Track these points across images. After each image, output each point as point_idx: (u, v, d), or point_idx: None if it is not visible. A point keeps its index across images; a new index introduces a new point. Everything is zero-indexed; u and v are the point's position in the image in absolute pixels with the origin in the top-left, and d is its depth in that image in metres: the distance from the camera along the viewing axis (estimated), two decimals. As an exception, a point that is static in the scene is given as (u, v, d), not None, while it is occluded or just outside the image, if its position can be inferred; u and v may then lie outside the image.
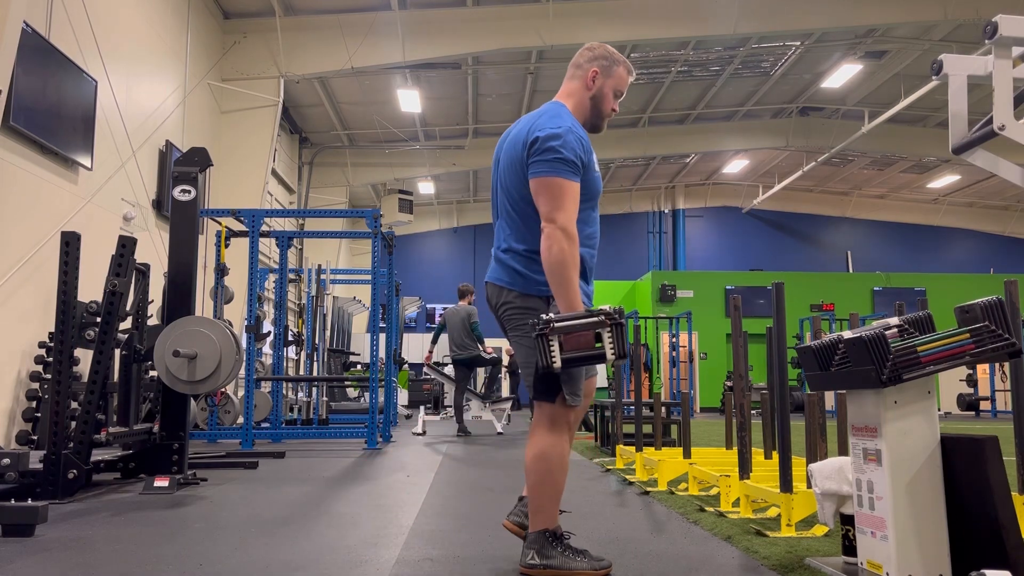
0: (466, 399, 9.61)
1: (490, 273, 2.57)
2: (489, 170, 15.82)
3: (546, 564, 2.35)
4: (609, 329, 2.23)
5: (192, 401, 4.86)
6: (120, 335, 4.60)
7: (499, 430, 9.40)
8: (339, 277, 14.26)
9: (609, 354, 2.24)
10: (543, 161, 2.37)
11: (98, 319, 4.03)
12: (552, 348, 2.22)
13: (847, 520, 2.52)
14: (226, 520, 3.38)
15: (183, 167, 4.79)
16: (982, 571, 1.95)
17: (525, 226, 2.45)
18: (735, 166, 21.28)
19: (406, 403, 14.74)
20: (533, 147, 2.40)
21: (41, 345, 6.68)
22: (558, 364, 2.22)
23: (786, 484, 3.04)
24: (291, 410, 9.88)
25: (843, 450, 3.24)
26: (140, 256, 4.51)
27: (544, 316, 2.25)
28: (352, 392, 14.70)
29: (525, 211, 2.45)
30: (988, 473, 2.08)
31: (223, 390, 8.29)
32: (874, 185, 22.63)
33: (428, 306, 21.66)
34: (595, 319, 2.24)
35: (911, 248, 23.57)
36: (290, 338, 9.61)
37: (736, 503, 3.55)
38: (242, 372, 7.40)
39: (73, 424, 4.05)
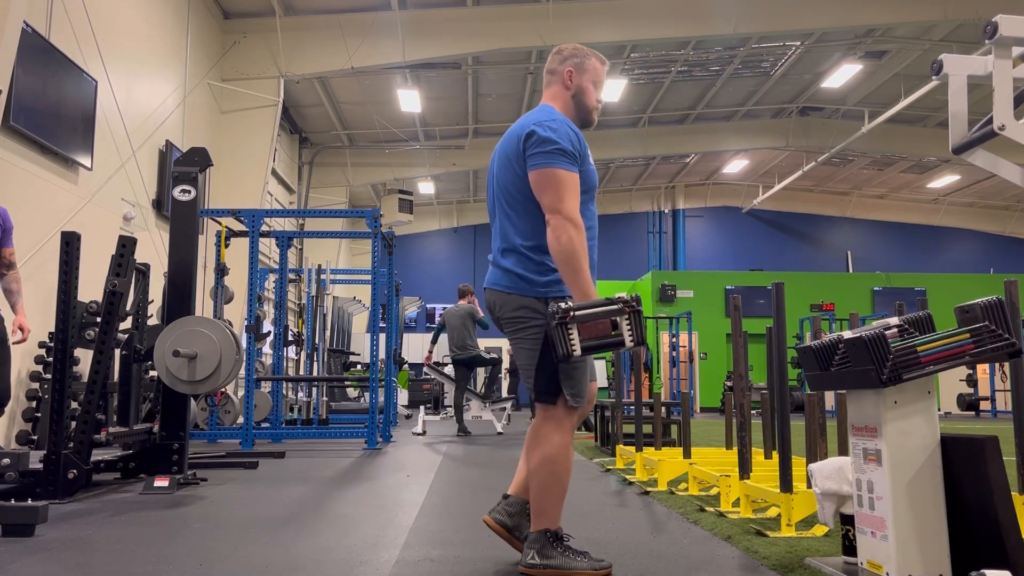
0: (466, 399, 9.61)
1: (489, 278, 2.56)
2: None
3: (546, 564, 2.36)
4: (627, 316, 2.25)
5: (192, 401, 4.86)
6: (120, 335, 4.59)
7: (499, 430, 9.40)
8: (339, 277, 14.26)
9: (628, 340, 2.26)
10: (542, 153, 2.38)
11: (98, 319, 4.03)
12: (571, 336, 2.23)
13: (847, 520, 2.52)
14: (226, 520, 3.38)
15: (183, 167, 4.79)
16: (982, 571, 1.95)
17: (525, 221, 2.45)
18: (735, 166, 21.28)
19: (406, 403, 14.74)
20: (529, 140, 2.41)
21: (41, 345, 6.68)
22: (578, 351, 2.23)
23: (786, 484, 3.04)
24: (291, 410, 9.88)
25: (843, 450, 3.24)
26: (140, 256, 4.51)
27: (563, 304, 2.25)
28: (352, 392, 14.70)
29: (524, 206, 2.45)
30: (988, 473, 2.08)
31: (223, 390, 8.29)
32: (874, 185, 22.63)
33: (428, 306, 21.66)
34: (614, 306, 2.25)
35: (911, 248, 23.57)
36: (290, 338, 9.61)
37: (736, 503, 3.55)
38: (242, 372, 7.40)
39: (73, 424, 4.05)
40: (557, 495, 2.40)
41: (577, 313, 2.24)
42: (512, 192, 2.48)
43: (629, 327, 2.26)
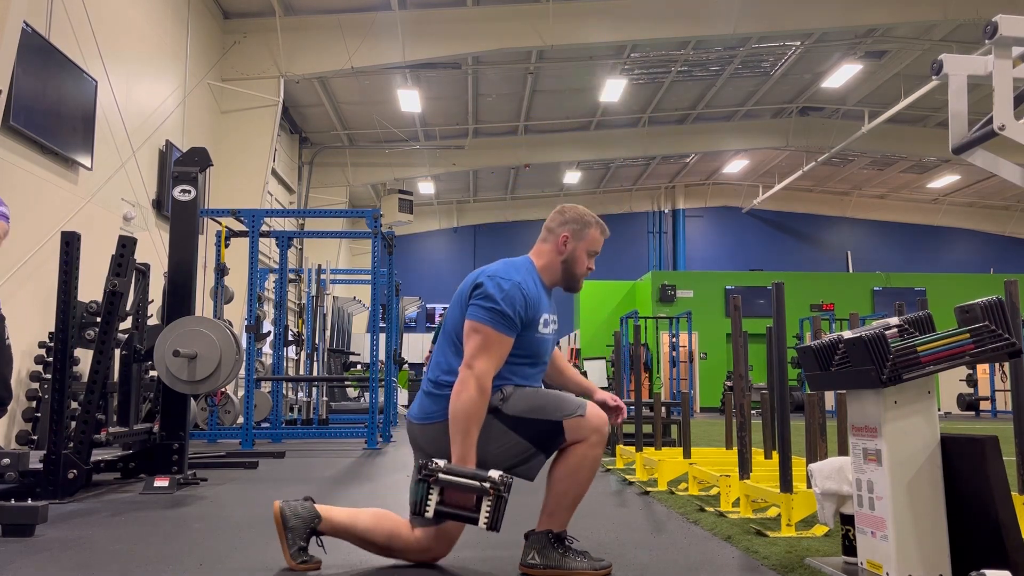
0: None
1: (416, 415, 2.52)
2: (489, 171, 15.89)
3: (546, 564, 2.36)
4: (492, 499, 2.23)
5: (192, 401, 4.86)
6: (120, 335, 4.59)
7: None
8: (339, 277, 14.26)
9: (482, 522, 2.23)
10: (480, 307, 2.38)
11: (98, 319, 4.03)
12: (430, 496, 2.23)
13: (847, 520, 2.52)
14: (226, 520, 3.38)
15: (183, 167, 4.79)
16: (982, 571, 1.95)
17: (454, 355, 2.46)
18: (735, 166, 21.28)
19: (406, 403, 14.74)
20: (476, 290, 2.43)
21: (41, 345, 6.68)
22: (430, 514, 2.24)
23: (786, 484, 3.04)
24: (291, 410, 9.88)
25: (843, 450, 3.24)
26: (140, 256, 4.51)
27: (432, 463, 2.24)
28: (352, 392, 14.70)
29: (454, 343, 2.47)
30: (988, 473, 2.08)
31: (223, 390, 8.29)
32: (874, 185, 22.63)
33: (428, 306, 21.66)
34: (480, 484, 2.23)
35: (911, 248, 23.56)
36: (290, 338, 9.61)
37: (736, 503, 3.55)
38: (242, 372, 7.40)
39: (73, 424, 4.05)
40: (572, 502, 2.43)
41: (443, 477, 2.22)
42: (448, 326, 2.52)
43: (488, 509, 2.23)
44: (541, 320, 2.48)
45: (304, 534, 2.42)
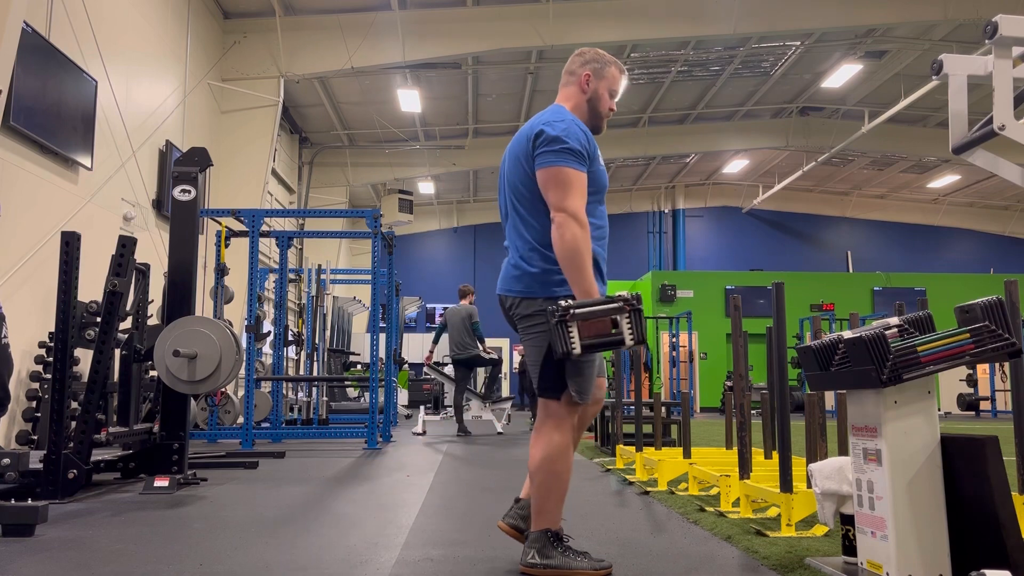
0: (466, 399, 9.61)
1: (501, 283, 2.57)
2: (490, 170, 15.84)
3: (546, 564, 2.36)
4: (628, 315, 2.25)
5: (192, 401, 4.86)
6: (120, 335, 4.59)
7: (499, 430, 9.40)
8: (339, 277, 14.26)
9: (628, 339, 2.25)
10: (549, 152, 2.39)
11: (98, 319, 4.03)
12: (572, 334, 2.23)
13: (847, 520, 2.52)
14: (226, 520, 3.38)
15: (183, 167, 4.79)
16: (982, 571, 1.95)
17: (533, 218, 2.46)
18: (735, 166, 21.28)
19: (406, 403, 14.74)
20: (539, 139, 2.42)
21: (41, 345, 6.68)
22: (578, 349, 2.23)
23: (786, 484, 3.04)
24: (291, 410, 9.88)
25: (843, 450, 3.24)
26: (140, 256, 4.51)
27: (562, 303, 2.25)
28: (352, 392, 14.70)
29: (532, 204, 2.46)
30: (988, 473, 2.08)
31: (223, 390, 8.29)
32: (874, 185, 22.63)
33: (428, 306, 21.66)
34: (613, 305, 2.25)
35: (911, 248, 23.56)
36: (290, 338, 9.61)
37: (736, 503, 3.55)
38: (242, 372, 7.40)
39: (73, 424, 4.05)
40: (557, 495, 2.41)
41: (577, 311, 2.23)
42: (522, 191, 2.49)
43: (629, 326, 2.25)
44: (598, 153, 2.53)
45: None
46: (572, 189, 2.36)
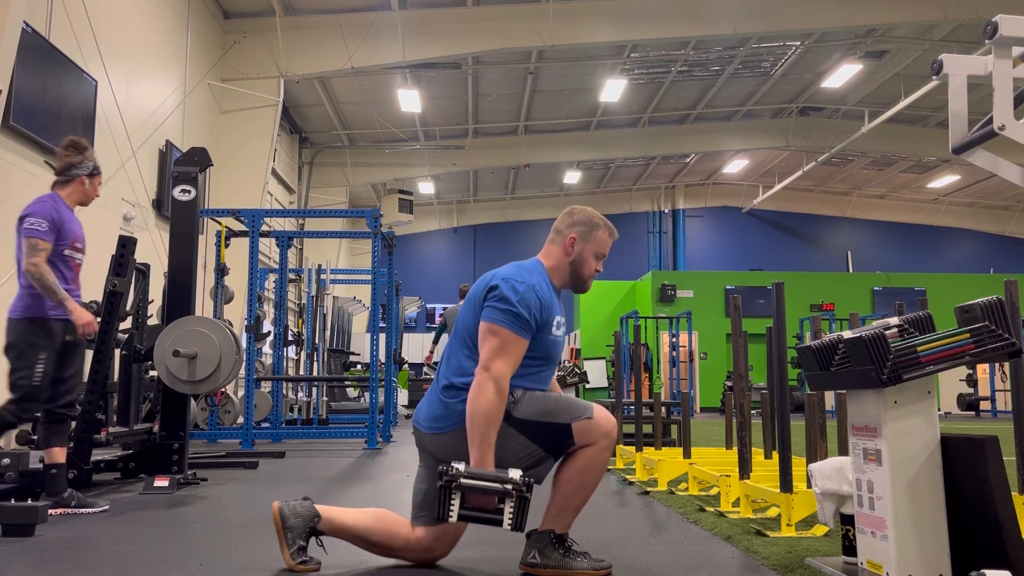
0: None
1: (424, 423, 2.52)
2: (489, 171, 15.86)
3: (546, 564, 2.37)
4: (514, 500, 2.23)
5: (192, 401, 4.86)
6: (120, 335, 4.59)
7: (499, 430, 9.38)
8: (339, 277, 14.26)
9: (506, 523, 2.23)
10: (496, 308, 2.38)
11: (98, 319, 4.03)
12: (452, 501, 2.22)
13: (847, 520, 2.52)
14: (226, 520, 3.38)
15: (183, 167, 4.79)
16: (982, 571, 1.95)
17: (468, 358, 2.44)
18: (735, 166, 21.28)
19: (406, 403, 14.73)
20: (491, 292, 2.42)
21: (41, 345, 6.67)
22: (454, 519, 2.24)
23: (786, 484, 3.04)
24: (291, 410, 9.88)
25: (843, 450, 3.24)
26: (140, 256, 4.51)
27: (452, 468, 2.23)
28: (352, 392, 14.69)
29: (469, 346, 2.46)
30: (988, 473, 2.08)
31: (223, 390, 8.29)
32: (874, 185, 22.63)
33: (428, 306, 21.66)
34: (502, 486, 2.23)
35: (911, 248, 23.56)
36: (290, 338, 9.61)
37: (736, 503, 3.55)
38: (242, 372, 7.40)
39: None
40: (578, 505, 2.44)
41: (464, 482, 2.22)
42: (463, 333, 2.49)
43: (512, 510, 2.23)
44: (554, 322, 2.48)
45: (303, 533, 2.42)
46: (505, 352, 2.34)
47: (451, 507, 2.22)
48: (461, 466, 2.25)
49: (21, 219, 3.53)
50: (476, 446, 2.29)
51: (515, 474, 2.24)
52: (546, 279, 2.53)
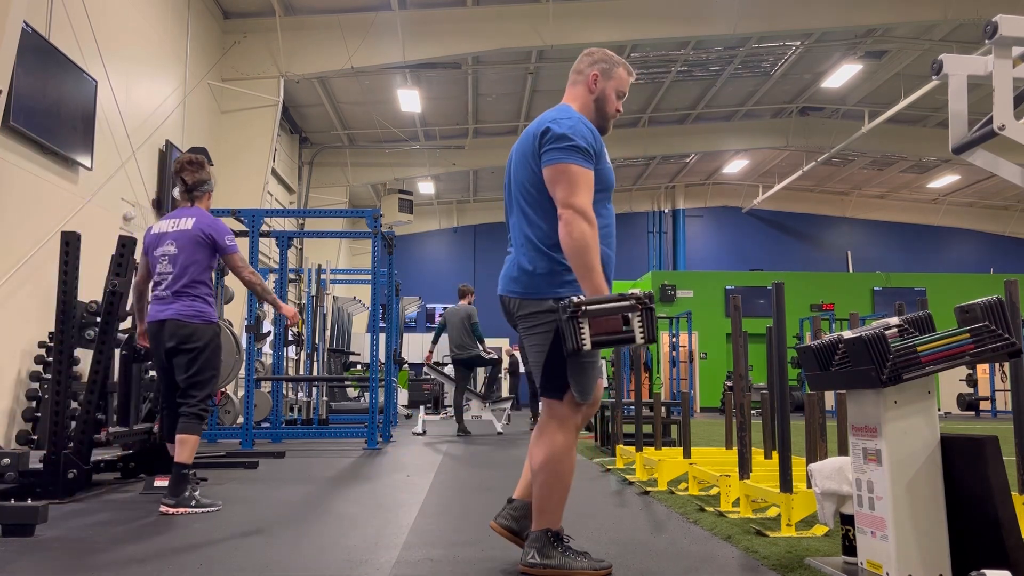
0: (466, 399, 9.61)
1: (502, 285, 2.55)
2: (489, 171, 15.79)
3: (546, 564, 2.36)
4: (639, 312, 2.24)
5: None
6: (120, 335, 4.59)
7: (499, 430, 9.40)
8: (339, 277, 14.26)
9: (639, 337, 2.24)
10: (557, 149, 2.38)
11: (98, 319, 4.03)
12: (583, 330, 2.22)
13: (847, 520, 2.52)
14: (226, 520, 3.38)
15: (183, 167, 4.78)
16: (982, 571, 1.95)
17: (540, 218, 2.44)
18: (735, 166, 21.28)
19: (406, 403, 14.73)
20: (545, 136, 2.41)
21: (41, 345, 6.68)
22: (588, 345, 2.22)
23: (786, 484, 3.04)
24: (291, 410, 9.88)
25: (843, 450, 3.24)
26: (140, 256, 4.51)
27: (575, 299, 2.23)
28: (352, 392, 14.70)
29: (539, 203, 2.45)
30: (988, 473, 2.08)
31: (223, 390, 8.29)
32: (874, 185, 22.63)
33: (428, 306, 21.66)
34: (625, 303, 2.24)
35: (911, 248, 23.56)
36: (290, 338, 9.61)
37: (736, 503, 3.55)
38: (242, 372, 7.40)
39: (73, 424, 4.05)
40: (559, 495, 2.41)
41: (589, 308, 2.22)
42: (529, 189, 2.48)
43: (640, 324, 2.24)
44: (604, 151, 2.51)
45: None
46: (579, 186, 2.34)
47: (583, 336, 2.21)
48: (582, 296, 2.26)
49: (207, 234, 3.93)
50: (586, 277, 2.30)
51: (635, 291, 2.26)
52: (581, 115, 2.54)
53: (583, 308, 2.22)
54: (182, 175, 4.02)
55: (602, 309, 2.23)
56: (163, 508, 3.55)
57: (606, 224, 2.48)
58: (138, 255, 4.15)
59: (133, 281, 4.15)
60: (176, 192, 4.33)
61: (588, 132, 2.42)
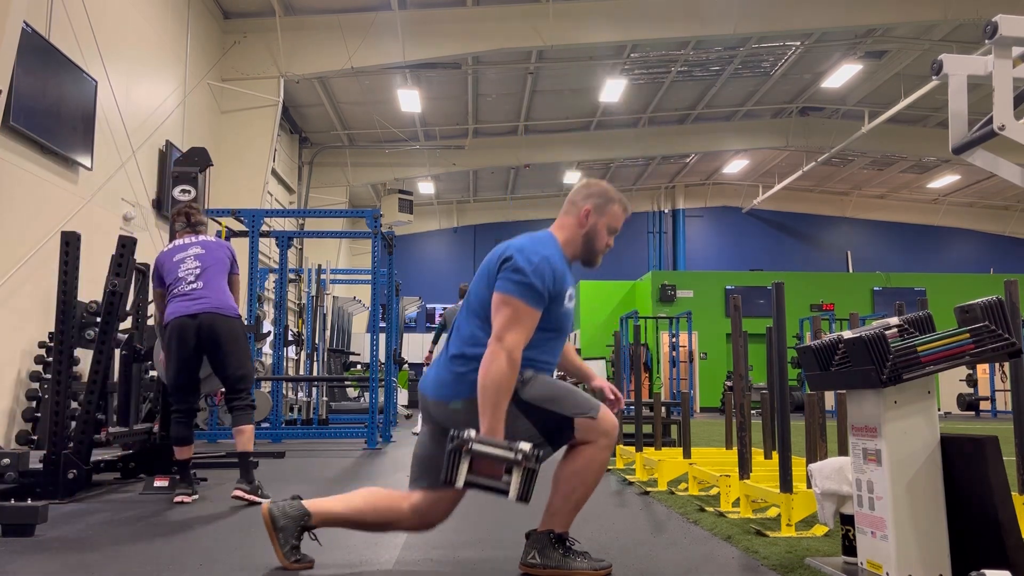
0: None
1: (431, 390, 2.49)
2: (489, 171, 15.84)
3: (546, 564, 2.37)
4: (522, 470, 2.22)
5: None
6: (120, 335, 4.59)
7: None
8: (339, 277, 14.26)
9: (513, 494, 2.22)
10: (510, 280, 2.36)
11: (98, 319, 4.03)
12: (460, 466, 2.21)
13: (847, 520, 2.52)
14: (226, 520, 3.38)
15: (183, 167, 4.80)
16: (982, 571, 1.95)
17: (480, 329, 2.43)
18: (735, 166, 21.28)
19: (406, 403, 14.73)
20: (505, 263, 2.41)
21: (41, 345, 6.68)
22: (459, 484, 2.23)
23: (786, 484, 3.04)
24: (291, 410, 9.88)
25: (843, 450, 3.24)
26: (140, 256, 4.51)
27: (465, 433, 2.22)
28: (352, 392, 14.69)
29: (481, 316, 2.44)
30: (988, 473, 2.08)
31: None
32: (874, 185, 22.63)
33: (428, 306, 21.65)
34: (512, 455, 2.22)
35: (911, 248, 23.55)
36: (290, 338, 9.61)
37: (736, 503, 3.55)
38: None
39: (73, 424, 4.05)
40: (576, 504, 2.43)
41: (475, 447, 2.21)
42: (476, 305, 2.47)
43: (519, 481, 2.22)
44: (567, 294, 2.48)
45: (295, 533, 2.41)
46: (518, 323, 2.33)
47: (458, 472, 2.21)
48: (473, 433, 2.25)
49: (230, 250, 4.27)
50: (487, 415, 2.28)
51: (525, 445, 2.24)
52: (559, 250, 2.52)
53: (469, 445, 2.21)
54: (186, 211, 4.34)
55: (487, 453, 2.22)
56: (238, 492, 3.76)
57: (548, 363, 2.48)
58: (151, 290, 4.42)
59: (157, 293, 4.26)
60: (179, 224, 4.36)
61: (550, 273, 2.39)
